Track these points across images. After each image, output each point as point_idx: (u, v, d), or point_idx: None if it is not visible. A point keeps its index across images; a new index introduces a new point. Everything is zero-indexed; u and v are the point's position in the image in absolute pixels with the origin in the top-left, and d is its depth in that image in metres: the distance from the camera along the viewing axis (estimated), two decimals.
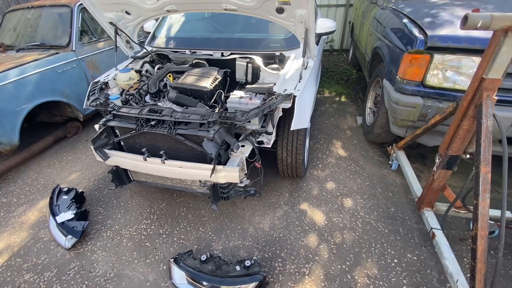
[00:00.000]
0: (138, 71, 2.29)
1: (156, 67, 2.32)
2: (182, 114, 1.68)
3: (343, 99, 3.90)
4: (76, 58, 3.03)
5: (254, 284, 1.42)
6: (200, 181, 1.82)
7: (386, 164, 2.55)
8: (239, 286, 1.44)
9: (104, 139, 1.90)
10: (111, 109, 1.81)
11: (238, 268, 1.55)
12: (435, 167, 1.66)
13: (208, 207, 2.19)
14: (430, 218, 1.68)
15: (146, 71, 2.31)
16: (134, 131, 1.75)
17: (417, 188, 1.94)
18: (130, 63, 2.43)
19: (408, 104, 1.96)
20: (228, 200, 1.92)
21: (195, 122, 1.66)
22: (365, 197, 2.20)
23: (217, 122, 1.66)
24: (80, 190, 2.27)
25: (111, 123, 1.82)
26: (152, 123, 1.70)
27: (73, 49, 3.03)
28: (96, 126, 2.05)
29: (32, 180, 2.62)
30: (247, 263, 1.54)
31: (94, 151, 1.92)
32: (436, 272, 1.64)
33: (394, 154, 2.38)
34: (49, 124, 3.38)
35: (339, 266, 1.70)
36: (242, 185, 1.87)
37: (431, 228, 1.63)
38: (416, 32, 1.96)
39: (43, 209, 2.26)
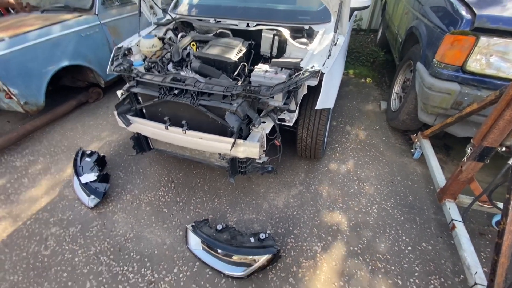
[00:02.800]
0: (161, 39, 2.24)
1: (179, 35, 2.26)
2: (206, 85, 1.64)
3: (367, 82, 3.73)
4: (99, 22, 3.00)
5: (268, 256, 1.46)
6: (219, 154, 1.83)
7: (407, 152, 2.47)
8: (253, 256, 1.48)
9: (127, 105, 1.91)
10: (135, 75, 1.80)
11: (252, 239, 1.58)
12: (465, 158, 1.58)
13: (224, 180, 2.22)
14: (452, 210, 1.63)
15: (170, 38, 2.26)
16: (157, 99, 1.74)
17: (440, 178, 1.87)
18: (153, 30, 2.37)
19: (442, 90, 1.84)
20: (245, 175, 1.94)
21: (218, 94, 1.63)
22: (383, 184, 2.16)
23: (240, 95, 1.62)
24: (102, 154, 2.34)
25: (135, 90, 1.82)
26: (175, 92, 1.69)
27: (96, 12, 2.98)
28: (119, 92, 2.06)
29: (56, 142, 2.72)
30: (262, 236, 1.57)
31: (117, 117, 1.94)
32: (450, 263, 1.62)
33: (418, 143, 2.29)
34: (71, 88, 3.44)
35: (351, 248, 1.71)
36: (260, 161, 1.86)
37: (452, 219, 1.59)
38: (462, 10, 1.79)
39: (67, 169, 2.36)
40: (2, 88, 2.31)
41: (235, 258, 1.53)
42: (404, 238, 1.76)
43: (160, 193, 2.12)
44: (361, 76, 3.87)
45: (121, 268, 1.63)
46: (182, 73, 1.97)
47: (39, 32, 2.50)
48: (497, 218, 1.79)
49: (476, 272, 1.28)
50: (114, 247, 1.74)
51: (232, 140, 1.64)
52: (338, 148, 2.53)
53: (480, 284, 1.26)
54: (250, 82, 1.68)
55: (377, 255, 1.67)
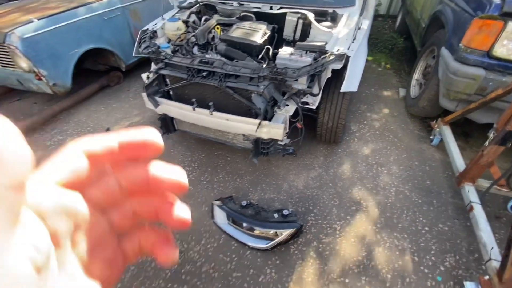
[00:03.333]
0: (185, 22, 2.28)
1: (203, 18, 2.30)
2: (233, 67, 1.70)
3: (386, 69, 3.69)
4: (120, 5, 3.04)
5: (292, 230, 1.55)
6: (243, 135, 1.90)
7: (426, 138, 2.49)
8: (277, 230, 1.58)
9: (155, 87, 1.99)
10: (163, 58, 1.87)
11: (276, 215, 1.68)
12: (487, 142, 1.60)
13: (245, 161, 2.30)
14: (470, 192, 1.68)
15: (193, 22, 2.30)
16: (185, 81, 1.81)
17: (459, 163, 1.90)
18: (176, 13, 2.41)
19: (467, 75, 1.84)
20: (267, 156, 2.01)
21: (245, 76, 1.68)
22: (401, 168, 2.20)
23: (267, 78, 1.67)
24: None
25: (163, 72, 1.89)
26: (203, 74, 1.74)
27: None
28: (144, 75, 2.13)
29: (82, 123, 2.84)
30: (285, 212, 1.66)
31: (146, 98, 2.03)
32: (466, 243, 1.68)
33: (438, 129, 2.30)
34: (92, 72, 3.53)
35: (369, 227, 1.79)
36: (282, 143, 1.93)
37: (470, 201, 1.64)
38: None
39: None
40: (33, 69, 2.41)
41: (258, 232, 1.64)
42: (421, 219, 1.82)
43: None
44: (379, 63, 3.83)
45: None
46: (207, 56, 2.02)
47: (66, 14, 2.57)
48: None
49: (492, 248, 1.34)
50: None
51: (257, 121, 1.71)
52: (357, 134, 2.56)
53: (495, 259, 1.32)
54: (275, 65, 1.72)
55: (395, 234, 1.74)
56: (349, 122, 2.69)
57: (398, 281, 1.51)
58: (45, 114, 2.72)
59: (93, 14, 2.78)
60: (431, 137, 2.42)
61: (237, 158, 2.34)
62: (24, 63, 2.35)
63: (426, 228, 1.77)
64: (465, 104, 2.03)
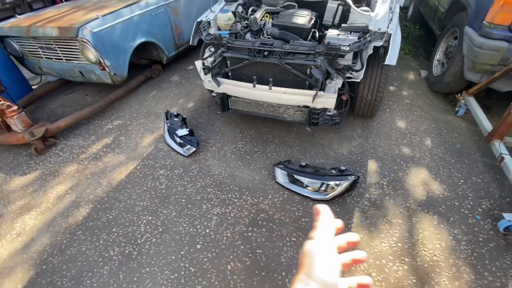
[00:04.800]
0: (233, 13, 2.57)
1: (250, 8, 2.59)
2: (291, 46, 1.98)
3: (404, 54, 3.96)
4: (163, 3, 3.34)
5: (351, 180, 1.83)
6: (298, 106, 2.18)
7: (451, 111, 2.76)
8: (338, 181, 1.85)
9: (217, 68, 2.27)
10: (226, 42, 2.15)
11: (333, 171, 1.95)
12: None
13: (291, 135, 2.58)
14: (500, 147, 1.95)
15: (242, 12, 2.59)
16: (247, 61, 2.10)
17: (487, 125, 2.17)
18: (224, 5, 2.70)
19: (492, 47, 2.11)
20: (316, 126, 2.29)
21: (301, 53, 1.97)
22: (432, 136, 2.47)
23: (322, 53, 1.95)
24: (184, 116, 2.74)
25: (226, 54, 2.17)
26: (265, 53, 2.03)
27: None
28: (197, 63, 2.41)
29: (135, 109, 3.14)
30: (342, 167, 1.94)
31: (207, 80, 2.32)
32: (498, 191, 1.95)
33: (463, 101, 2.57)
34: (134, 66, 3.83)
35: (412, 181, 2.06)
36: (330, 113, 2.21)
37: (500, 153, 1.90)
38: None
39: (154, 130, 2.78)
40: (99, 60, 2.71)
41: (314, 187, 1.92)
42: (456, 174, 2.09)
43: (239, 146, 2.51)
44: None
45: (226, 196, 2.04)
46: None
47: (124, 10, 2.88)
48: None
49: None
50: (215, 182, 2.16)
51: (313, 92, 1.99)
52: (387, 110, 2.84)
53: None
54: (329, 42, 1.99)
55: (435, 185, 2.01)
56: None
57: (444, 220, 1.79)
58: (103, 103, 3.02)
59: (144, 10, 3.08)
60: (456, 108, 2.69)
61: (283, 133, 2.63)
62: (92, 55, 2.66)
63: (462, 181, 2.04)
64: (488, 75, 2.30)
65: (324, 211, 0.41)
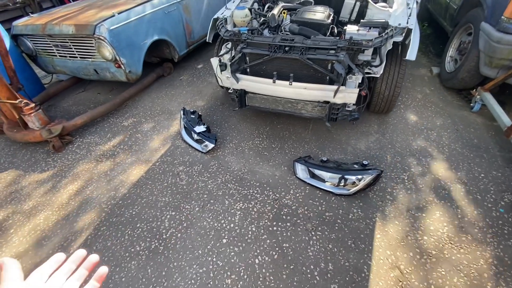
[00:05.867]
0: (249, 9, 2.58)
1: (267, 5, 2.60)
2: (313, 41, 1.99)
3: None
4: (176, 1, 3.35)
5: (374, 175, 1.84)
6: (318, 102, 2.18)
7: (465, 107, 2.77)
8: (360, 176, 1.86)
9: (236, 65, 2.28)
10: (245, 38, 2.16)
11: (356, 166, 1.96)
12: None
13: (307, 132, 2.59)
14: None
15: (258, 8, 2.60)
16: (267, 56, 2.10)
17: (506, 120, 2.18)
18: (240, 2, 2.71)
19: (511, 42, 2.12)
20: (335, 122, 2.30)
21: (323, 48, 1.97)
22: (448, 131, 2.48)
23: (343, 48, 1.96)
24: (199, 113, 2.75)
25: (246, 50, 2.18)
26: (286, 49, 2.04)
27: None
28: (213, 60, 2.41)
29: (149, 107, 3.15)
30: (365, 162, 1.94)
31: (223, 76, 2.33)
32: None
33: (479, 96, 2.58)
34: (145, 64, 3.84)
35: (432, 176, 2.07)
36: (350, 109, 2.22)
37: None
38: None
39: (170, 127, 2.78)
40: (115, 57, 2.72)
41: (334, 182, 1.93)
42: (476, 168, 2.10)
43: (256, 142, 2.51)
44: None
45: (248, 191, 2.05)
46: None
47: (138, 9, 2.89)
48: None
49: None
50: (235, 178, 2.16)
51: (334, 87, 2.00)
52: (401, 106, 2.85)
53: None
54: (351, 37, 2.00)
55: (456, 179, 2.02)
56: None
57: (468, 213, 1.79)
58: (117, 100, 3.02)
59: (157, 8, 3.09)
60: (472, 104, 2.70)
61: (299, 129, 2.63)
62: (108, 52, 2.66)
63: (482, 175, 2.05)
64: (506, 70, 2.31)
65: (5, 261, 0.43)
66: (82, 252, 0.50)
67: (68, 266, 0.48)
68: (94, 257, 0.50)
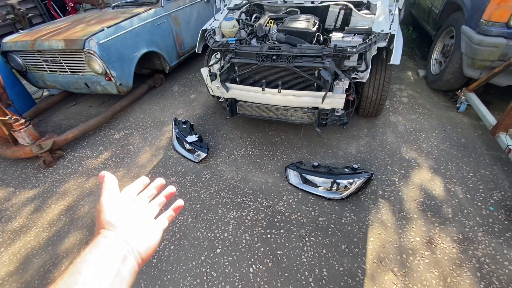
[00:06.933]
0: (237, 20, 2.63)
1: (254, 15, 2.65)
2: (299, 49, 2.03)
3: None
4: (165, 13, 3.40)
5: (365, 178, 1.86)
6: (307, 108, 2.21)
7: (452, 108, 2.83)
8: (353, 179, 1.88)
9: (225, 74, 2.31)
10: (233, 48, 2.20)
11: (346, 170, 1.98)
12: None
13: (299, 137, 2.61)
14: (507, 138, 2.00)
15: (246, 19, 2.65)
16: (256, 66, 2.14)
17: (491, 119, 2.23)
18: (227, 13, 2.76)
19: (491, 44, 2.19)
20: (325, 127, 2.32)
21: (309, 56, 2.02)
22: (436, 132, 2.53)
23: (329, 55, 2.00)
24: (191, 123, 2.76)
25: (234, 60, 2.21)
26: (273, 57, 2.07)
27: (162, 5, 3.39)
28: (203, 70, 2.45)
29: (141, 119, 3.15)
30: (355, 166, 1.97)
31: (214, 86, 2.36)
32: (507, 182, 1.99)
33: (464, 97, 2.64)
34: (136, 75, 3.85)
35: (422, 176, 2.10)
36: (338, 114, 2.25)
37: (507, 145, 1.96)
38: None
39: (162, 138, 2.79)
40: (105, 70, 2.73)
41: (326, 187, 1.94)
42: (464, 167, 2.14)
43: (248, 150, 2.53)
44: None
45: (241, 199, 2.04)
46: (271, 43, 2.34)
47: (126, 23, 2.92)
48: None
49: None
50: (228, 186, 2.16)
51: (322, 93, 2.03)
52: (390, 109, 2.90)
53: None
54: (336, 44, 2.05)
55: (445, 179, 2.05)
56: None
57: (458, 213, 1.82)
58: (109, 113, 3.02)
59: (146, 21, 3.13)
60: (457, 105, 2.76)
61: (290, 135, 2.66)
62: (98, 66, 2.67)
63: (471, 174, 2.08)
64: (488, 71, 2.38)
65: (106, 174, 0.50)
66: (161, 180, 0.55)
67: (151, 190, 0.53)
68: (172, 188, 0.56)
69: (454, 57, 2.65)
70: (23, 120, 2.43)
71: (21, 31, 3.20)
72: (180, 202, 0.54)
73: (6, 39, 3.00)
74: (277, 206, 1.97)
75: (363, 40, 2.07)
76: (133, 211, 0.47)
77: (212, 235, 1.82)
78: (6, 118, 2.36)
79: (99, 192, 2.23)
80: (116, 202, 0.46)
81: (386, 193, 1.99)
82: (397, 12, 2.41)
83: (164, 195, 0.54)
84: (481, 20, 2.24)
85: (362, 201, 1.95)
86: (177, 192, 2.16)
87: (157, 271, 1.65)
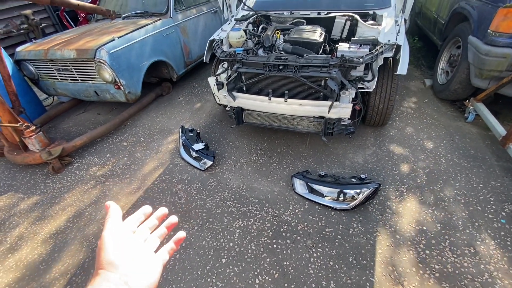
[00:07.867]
0: (244, 31, 2.68)
1: (261, 26, 2.70)
2: (306, 60, 2.05)
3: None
4: (173, 24, 3.48)
5: (373, 188, 1.84)
6: (313, 117, 2.22)
7: (460, 117, 2.80)
8: (360, 190, 1.86)
9: (232, 84, 2.33)
10: (241, 58, 2.23)
11: (354, 180, 1.96)
12: None
13: (305, 146, 2.61)
14: None
15: (253, 29, 2.69)
16: (262, 75, 2.16)
17: (500, 129, 2.21)
18: (235, 24, 2.82)
19: (498, 54, 2.19)
20: (331, 136, 2.32)
21: (316, 66, 2.03)
22: (444, 142, 2.50)
23: (336, 65, 2.02)
24: (198, 130, 2.78)
25: (242, 70, 2.24)
26: (280, 67, 2.10)
27: (171, 16, 3.47)
28: (210, 79, 2.48)
29: (148, 126, 3.19)
30: (362, 176, 1.95)
31: (220, 95, 2.38)
32: None
33: (472, 107, 2.62)
34: (144, 84, 3.92)
35: (431, 188, 2.06)
36: (345, 123, 2.25)
37: None
38: None
39: (168, 145, 2.81)
40: (114, 79, 2.79)
41: (333, 197, 1.92)
42: (474, 179, 2.10)
43: (254, 158, 2.53)
44: None
45: (247, 208, 2.03)
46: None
47: (136, 33, 3.00)
48: None
49: None
50: (234, 195, 2.16)
51: (328, 103, 2.04)
52: (397, 118, 2.89)
53: None
54: (343, 55, 2.06)
55: (455, 191, 2.01)
56: None
57: (469, 225, 1.78)
58: (117, 120, 3.07)
59: (156, 31, 3.21)
60: (466, 115, 2.73)
61: (296, 144, 2.66)
62: (108, 75, 2.74)
63: (481, 185, 2.04)
64: (496, 81, 2.37)
65: (111, 205, 0.50)
66: (164, 210, 0.55)
67: (152, 221, 0.53)
68: (174, 218, 0.55)
69: (461, 67, 2.65)
70: (33, 127, 2.48)
71: (34, 41, 3.30)
72: (181, 234, 0.53)
73: (19, 48, 3.09)
74: (283, 216, 1.95)
75: (369, 51, 2.08)
76: (134, 247, 0.46)
77: (218, 244, 1.81)
78: (18, 125, 2.41)
79: (105, 198, 2.27)
80: (118, 239, 0.45)
81: (393, 204, 1.96)
82: (403, 22, 2.44)
83: (166, 226, 0.53)
84: (489, 31, 2.24)
85: (369, 212, 1.92)
86: (183, 200, 2.17)
87: (162, 281, 1.63)
